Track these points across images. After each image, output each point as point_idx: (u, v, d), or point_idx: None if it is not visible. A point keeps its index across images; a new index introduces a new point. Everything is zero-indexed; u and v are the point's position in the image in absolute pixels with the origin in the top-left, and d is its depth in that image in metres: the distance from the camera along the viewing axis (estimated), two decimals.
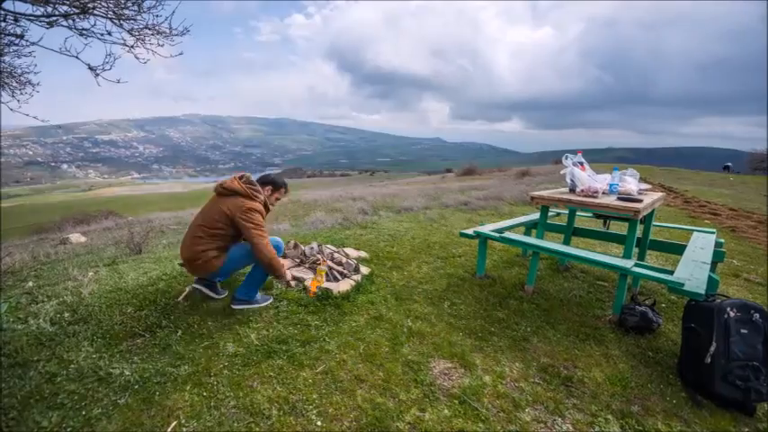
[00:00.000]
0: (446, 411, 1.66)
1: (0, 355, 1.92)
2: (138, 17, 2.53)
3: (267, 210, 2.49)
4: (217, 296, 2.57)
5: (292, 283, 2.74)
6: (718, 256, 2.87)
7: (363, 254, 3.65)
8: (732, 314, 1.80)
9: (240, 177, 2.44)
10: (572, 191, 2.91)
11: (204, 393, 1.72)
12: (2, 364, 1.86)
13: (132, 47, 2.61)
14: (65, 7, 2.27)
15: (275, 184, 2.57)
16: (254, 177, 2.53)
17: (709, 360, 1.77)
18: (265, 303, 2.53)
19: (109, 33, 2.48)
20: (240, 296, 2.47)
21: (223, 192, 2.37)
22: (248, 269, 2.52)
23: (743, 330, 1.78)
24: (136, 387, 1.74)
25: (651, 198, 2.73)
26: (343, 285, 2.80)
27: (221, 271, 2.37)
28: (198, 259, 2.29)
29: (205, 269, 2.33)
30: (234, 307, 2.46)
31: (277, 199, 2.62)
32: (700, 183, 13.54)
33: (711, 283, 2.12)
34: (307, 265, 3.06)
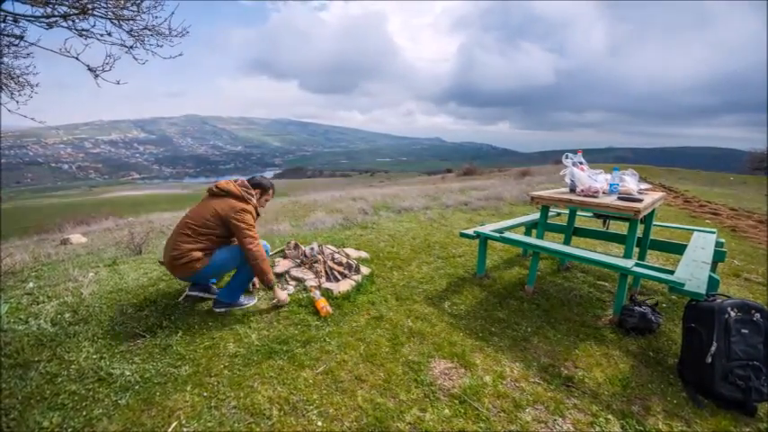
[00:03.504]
0: (446, 411, 1.66)
1: (1, 356, 1.92)
2: (138, 18, 2.53)
3: (257, 213, 2.51)
4: (213, 295, 2.56)
5: (282, 295, 2.52)
6: (718, 256, 2.86)
7: (364, 254, 3.65)
8: (733, 314, 1.80)
9: (235, 181, 2.49)
10: (572, 191, 2.91)
11: (205, 393, 1.72)
12: (3, 365, 1.86)
13: (131, 48, 2.61)
14: (64, 8, 2.27)
15: (262, 187, 2.58)
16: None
17: (709, 360, 1.77)
18: (249, 304, 2.52)
19: (108, 34, 2.49)
20: (223, 298, 2.45)
21: (217, 192, 2.38)
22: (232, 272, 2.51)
23: (744, 330, 1.78)
24: (136, 387, 1.74)
25: (651, 198, 2.73)
26: (344, 285, 2.80)
27: (201, 274, 2.31)
28: (182, 258, 2.21)
29: (186, 270, 2.25)
30: (216, 310, 2.43)
31: (266, 200, 2.65)
32: (700, 183, 13.54)
33: (712, 282, 2.11)
34: (307, 266, 3.06)
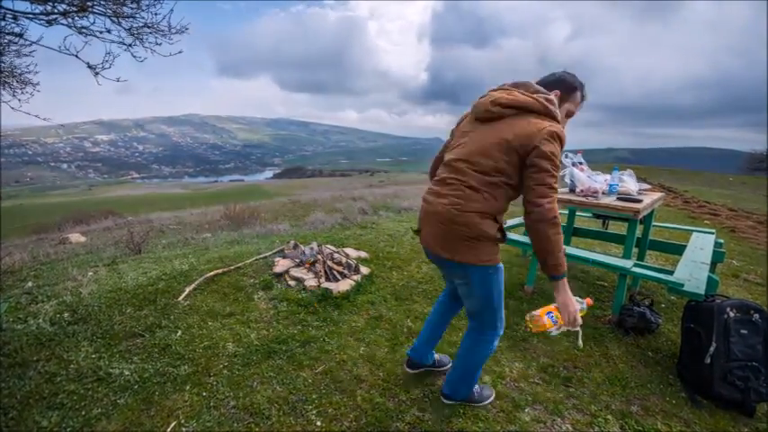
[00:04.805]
0: (446, 411, 1.66)
1: (1, 355, 1.92)
2: (137, 15, 2.52)
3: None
4: (440, 367, 1.92)
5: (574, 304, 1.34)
6: (717, 257, 2.87)
7: (363, 254, 3.65)
8: (732, 314, 1.80)
9: (516, 86, 1.42)
10: (571, 191, 2.91)
11: (204, 393, 1.72)
12: (2, 364, 1.86)
13: (131, 45, 2.60)
14: (63, 5, 2.26)
15: (566, 86, 1.47)
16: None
17: (708, 360, 1.77)
18: (486, 401, 1.71)
19: (108, 31, 2.48)
20: (450, 391, 1.68)
21: (502, 112, 1.35)
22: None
23: (742, 331, 1.78)
24: (135, 387, 1.74)
25: (651, 198, 2.73)
26: (343, 285, 2.80)
27: (479, 273, 1.40)
28: (465, 225, 1.33)
29: (465, 251, 1.35)
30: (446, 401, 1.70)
31: (568, 115, 1.51)
32: (699, 183, 13.56)
33: (711, 283, 2.12)
34: (307, 266, 3.06)
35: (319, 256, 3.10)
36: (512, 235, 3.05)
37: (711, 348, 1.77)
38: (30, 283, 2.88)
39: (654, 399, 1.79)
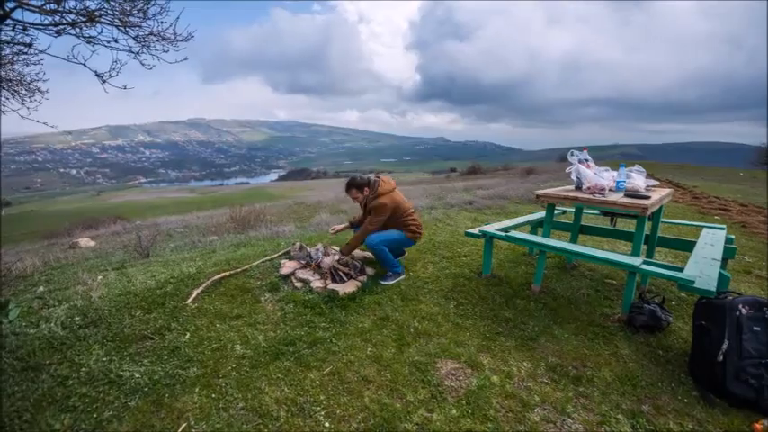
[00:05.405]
0: (454, 412, 1.66)
1: (14, 359, 1.95)
2: (144, 24, 2.56)
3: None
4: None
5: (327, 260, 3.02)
6: (728, 253, 2.82)
7: (368, 255, 3.65)
8: (744, 311, 1.77)
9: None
10: (578, 188, 2.89)
11: (213, 395, 1.74)
12: (15, 368, 1.89)
13: (138, 53, 2.64)
14: (72, 16, 2.30)
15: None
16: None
17: (721, 358, 1.74)
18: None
19: (115, 40, 2.52)
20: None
21: None
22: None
23: (755, 327, 1.75)
24: (146, 389, 1.76)
25: (659, 194, 2.70)
26: (349, 286, 2.80)
27: None
28: None
29: None
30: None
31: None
32: (709, 178, 13.35)
33: (722, 279, 2.08)
34: (313, 267, 3.07)
35: (324, 258, 3.11)
36: (517, 234, 3.03)
37: (724, 346, 1.74)
38: (41, 288, 2.93)
39: (665, 398, 1.77)
